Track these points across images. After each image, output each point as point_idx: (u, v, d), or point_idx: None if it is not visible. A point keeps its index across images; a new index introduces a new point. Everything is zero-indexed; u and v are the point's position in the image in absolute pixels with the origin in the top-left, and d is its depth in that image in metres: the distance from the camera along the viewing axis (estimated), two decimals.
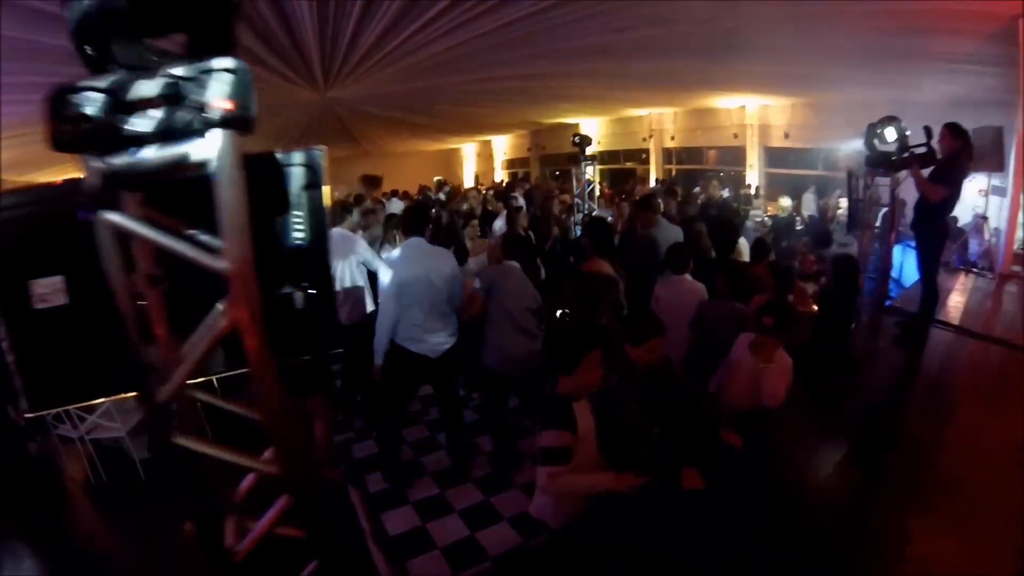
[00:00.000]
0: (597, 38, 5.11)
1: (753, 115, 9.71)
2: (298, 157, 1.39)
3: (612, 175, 14.84)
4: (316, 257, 1.42)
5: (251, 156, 1.07)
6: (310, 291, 1.39)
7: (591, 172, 8.25)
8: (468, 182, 19.92)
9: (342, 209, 4.99)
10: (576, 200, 7.97)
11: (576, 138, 8.13)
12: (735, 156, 10.42)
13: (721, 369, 3.03)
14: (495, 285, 3.43)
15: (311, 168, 1.40)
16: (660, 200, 5.48)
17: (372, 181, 20.73)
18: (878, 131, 4.07)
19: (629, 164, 13.61)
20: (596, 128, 13.78)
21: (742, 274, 3.60)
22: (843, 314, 4.09)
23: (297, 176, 1.39)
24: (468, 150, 20.35)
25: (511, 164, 18.83)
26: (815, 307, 4.20)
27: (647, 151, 12.42)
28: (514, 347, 3.43)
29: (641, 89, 8.85)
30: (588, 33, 4.92)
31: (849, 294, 4.08)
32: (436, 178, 20.35)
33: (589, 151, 8.22)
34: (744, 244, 4.90)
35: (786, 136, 9.37)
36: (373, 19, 4.21)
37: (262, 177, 1.31)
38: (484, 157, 19.31)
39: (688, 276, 3.71)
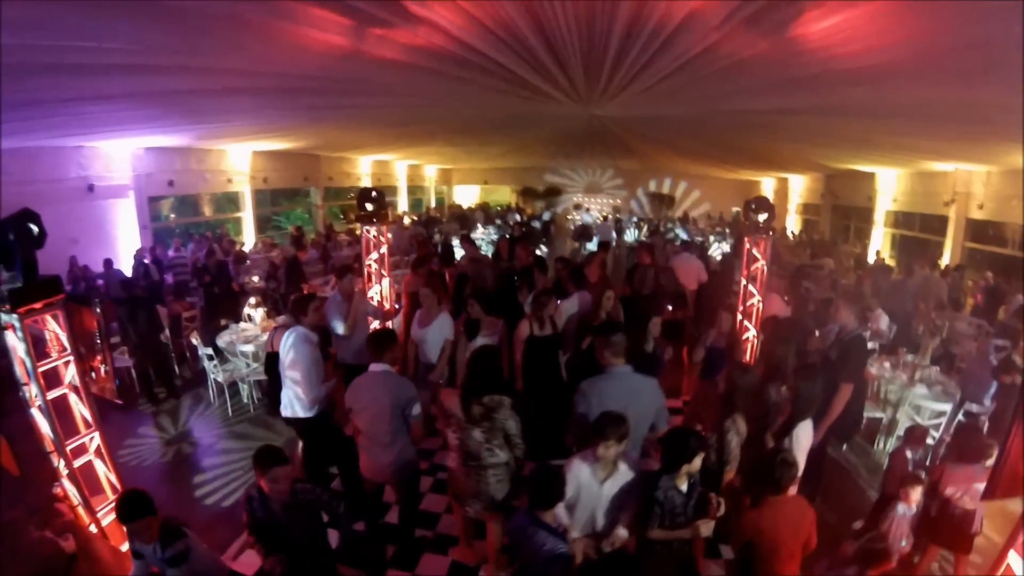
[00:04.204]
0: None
1: None
2: None
3: (904, 243, 12.94)
4: None
5: None
6: None
7: None
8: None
9: None
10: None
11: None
12: None
13: None
14: (353, 404, 3.35)
15: None
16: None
17: (661, 199, 22.98)
18: None
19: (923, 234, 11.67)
20: (893, 182, 12.43)
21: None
22: None
23: None
24: (767, 185, 19.78)
25: (805, 209, 17.64)
26: None
27: (947, 219, 10.51)
28: (372, 458, 3.42)
29: (945, 133, 6.92)
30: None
31: None
32: (738, 207, 19.47)
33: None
34: None
35: None
36: (631, 43, 4.34)
37: None
38: (780, 195, 18.37)
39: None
